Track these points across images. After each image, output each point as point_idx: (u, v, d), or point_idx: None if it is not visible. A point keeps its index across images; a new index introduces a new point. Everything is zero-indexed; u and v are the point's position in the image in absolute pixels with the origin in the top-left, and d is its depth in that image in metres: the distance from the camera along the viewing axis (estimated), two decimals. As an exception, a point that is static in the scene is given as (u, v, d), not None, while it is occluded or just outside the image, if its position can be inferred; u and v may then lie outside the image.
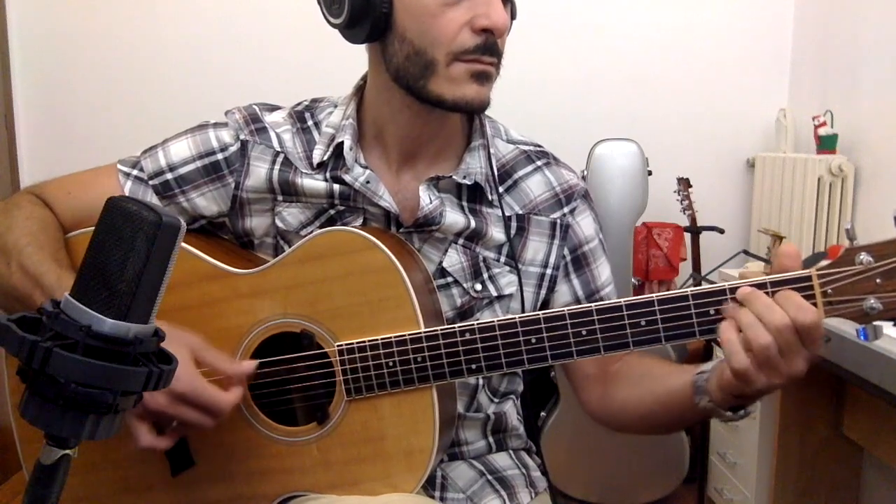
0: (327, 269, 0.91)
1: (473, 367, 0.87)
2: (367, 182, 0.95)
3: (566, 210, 1.02)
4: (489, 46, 0.88)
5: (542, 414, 2.31)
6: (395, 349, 0.88)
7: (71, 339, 0.51)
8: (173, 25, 2.64)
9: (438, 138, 0.99)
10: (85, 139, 2.67)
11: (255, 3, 2.63)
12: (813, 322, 0.74)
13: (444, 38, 0.87)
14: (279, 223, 0.99)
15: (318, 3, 0.94)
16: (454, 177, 0.97)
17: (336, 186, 0.97)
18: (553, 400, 2.33)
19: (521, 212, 1.01)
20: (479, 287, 0.99)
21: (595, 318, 0.83)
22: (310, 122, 1.02)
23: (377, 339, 0.88)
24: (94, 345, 0.52)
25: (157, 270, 0.54)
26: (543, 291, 1.03)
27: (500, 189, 1.00)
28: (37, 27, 2.66)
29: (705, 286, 0.80)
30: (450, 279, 0.98)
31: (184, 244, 0.78)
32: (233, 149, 1.00)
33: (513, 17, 0.95)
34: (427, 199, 0.95)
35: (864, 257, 0.75)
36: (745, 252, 2.46)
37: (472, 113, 0.99)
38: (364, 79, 1.01)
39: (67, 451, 0.54)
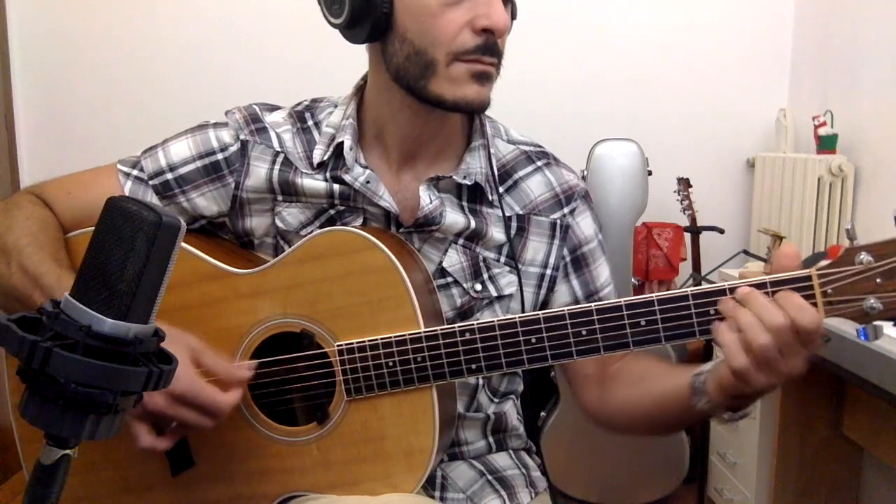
0: (327, 269, 0.91)
1: (473, 367, 0.87)
2: (367, 182, 0.95)
3: (566, 210, 1.02)
4: (489, 47, 0.88)
5: (542, 414, 2.31)
6: (394, 349, 0.88)
7: (71, 339, 0.51)
8: (173, 25, 2.64)
9: (439, 138, 0.99)
10: (85, 139, 2.67)
11: (255, 3, 2.63)
12: (812, 322, 0.74)
13: (444, 39, 0.87)
14: (279, 223, 0.99)
15: (319, 3, 0.94)
16: (454, 177, 0.97)
17: (336, 186, 0.97)
18: (553, 400, 2.33)
19: (521, 212, 1.01)
20: (478, 287, 0.99)
21: (595, 317, 0.83)
22: (310, 122, 1.02)
23: (377, 339, 0.88)
24: (94, 345, 0.52)
25: (157, 270, 0.54)
26: (543, 292, 1.03)
27: (501, 189, 1.00)
28: (37, 27, 2.66)
29: (705, 286, 0.80)
30: (450, 279, 0.98)
31: (184, 244, 0.78)
32: (233, 149, 1.00)
33: (513, 17, 0.95)
34: (427, 199, 0.95)
35: (864, 257, 0.75)
36: (745, 252, 2.47)
37: (473, 113, 0.99)
38: (364, 79, 1.01)
39: (67, 451, 0.54)
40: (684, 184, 2.46)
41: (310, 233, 0.95)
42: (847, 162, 2.20)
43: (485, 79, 0.90)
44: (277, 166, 0.99)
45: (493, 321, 0.86)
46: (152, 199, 1.00)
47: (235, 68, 2.61)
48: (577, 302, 1.03)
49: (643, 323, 0.82)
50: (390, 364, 0.88)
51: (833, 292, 0.76)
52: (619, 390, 0.99)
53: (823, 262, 0.77)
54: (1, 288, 0.90)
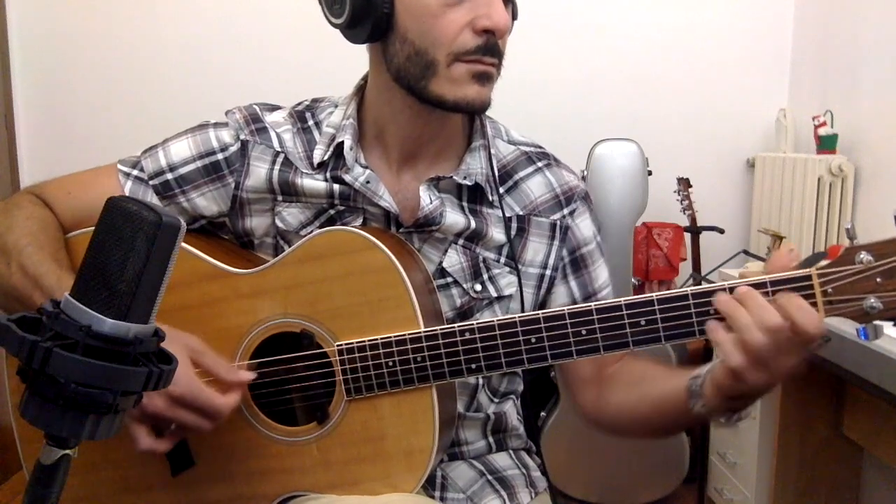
0: (327, 268, 0.91)
1: (473, 366, 0.87)
2: (368, 182, 0.95)
3: (566, 211, 1.02)
4: (490, 47, 0.88)
5: (542, 414, 2.31)
6: (394, 349, 0.88)
7: (71, 339, 0.51)
8: (173, 25, 2.64)
9: (439, 139, 0.99)
10: (85, 139, 2.67)
11: (255, 3, 2.63)
12: (812, 322, 0.74)
13: (445, 39, 0.87)
14: (279, 223, 0.99)
15: (320, 3, 0.94)
16: (455, 177, 0.97)
17: (336, 186, 0.97)
18: (553, 400, 2.33)
19: (521, 213, 1.01)
20: (478, 287, 0.98)
21: (595, 317, 0.83)
22: (310, 122, 1.02)
23: (377, 339, 0.88)
24: (94, 345, 0.52)
25: (157, 270, 0.54)
26: (542, 293, 1.03)
27: (501, 190, 1.00)
28: (37, 27, 2.66)
29: (705, 286, 0.80)
30: (449, 279, 0.98)
31: (184, 244, 0.78)
32: (233, 149, 1.00)
33: (514, 17, 0.95)
34: (427, 199, 0.95)
35: (864, 256, 0.75)
36: (745, 252, 2.47)
37: (473, 113, 0.99)
38: (365, 79, 1.01)
39: (67, 451, 0.54)
40: (684, 184, 2.46)
41: (310, 233, 0.95)
42: (847, 162, 2.20)
43: (485, 79, 0.90)
44: (277, 166, 0.99)
45: (492, 321, 0.86)
46: (152, 199, 1.00)
47: (235, 68, 2.61)
48: (574, 303, 1.03)
49: (643, 322, 0.82)
50: (390, 364, 0.88)
51: (833, 292, 0.76)
52: (617, 393, 0.99)
53: (823, 262, 0.77)
54: (1, 288, 0.90)
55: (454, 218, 0.96)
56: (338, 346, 0.90)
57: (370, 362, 0.89)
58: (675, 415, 0.90)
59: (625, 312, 0.82)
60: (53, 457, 0.53)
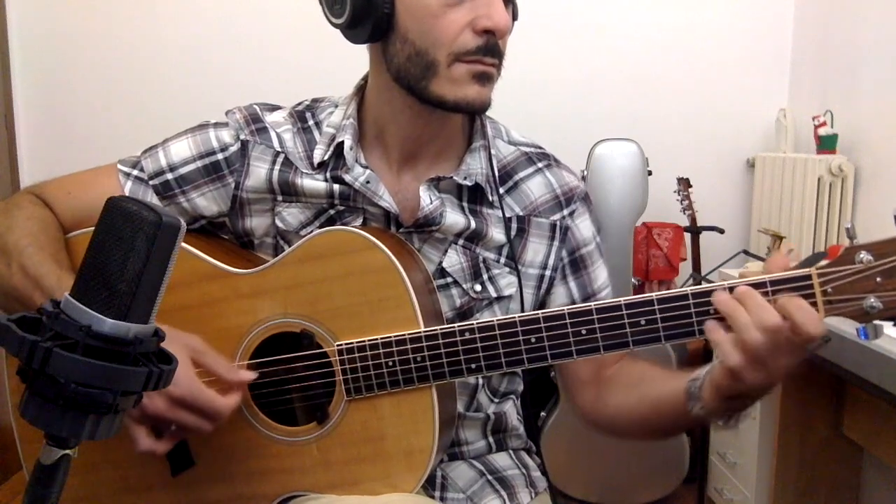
0: (327, 268, 0.91)
1: (473, 366, 0.87)
2: (368, 182, 0.95)
3: (566, 212, 1.02)
4: (491, 47, 0.88)
5: (542, 414, 2.31)
6: (394, 349, 0.88)
7: (71, 339, 0.51)
8: (173, 25, 2.64)
9: (439, 139, 0.99)
10: (85, 139, 2.67)
11: (255, 3, 2.63)
12: (812, 322, 0.73)
13: (445, 39, 0.87)
14: (279, 223, 0.99)
15: (320, 3, 0.94)
16: (455, 177, 0.97)
17: (336, 186, 0.97)
18: (553, 400, 2.33)
19: (521, 213, 1.01)
20: (478, 288, 0.98)
21: (595, 317, 0.83)
22: (310, 122, 1.02)
23: (377, 339, 0.88)
24: (94, 345, 0.52)
25: (157, 270, 0.54)
26: (542, 293, 1.03)
27: (501, 190, 1.00)
28: (37, 27, 2.66)
29: (705, 285, 0.80)
30: (449, 280, 0.98)
31: (184, 244, 0.78)
32: (233, 149, 1.00)
33: (514, 17, 0.95)
34: (427, 199, 0.95)
35: (863, 256, 0.75)
36: (745, 252, 2.47)
37: (474, 114, 0.99)
38: (365, 79, 1.01)
39: (67, 451, 0.54)
40: (684, 184, 2.46)
41: (310, 233, 0.95)
42: (847, 162, 2.20)
43: (486, 79, 0.90)
44: (277, 166, 0.99)
45: (492, 321, 0.86)
46: (152, 199, 1.00)
47: (235, 68, 2.61)
48: (574, 304, 1.03)
49: (643, 322, 0.82)
50: (390, 364, 0.88)
51: (833, 291, 0.76)
52: (615, 394, 0.99)
53: (823, 262, 0.77)
54: (1, 288, 0.90)
55: (454, 218, 0.96)
56: (338, 346, 0.90)
57: (370, 362, 0.89)
58: (673, 416, 0.90)
59: (624, 312, 0.82)
60: (53, 457, 0.53)
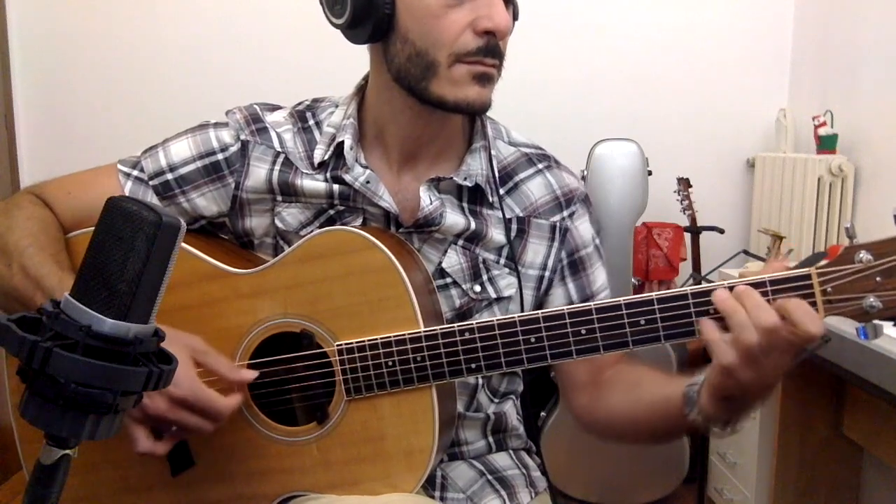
0: (327, 268, 0.91)
1: (473, 366, 0.87)
2: (367, 182, 0.95)
3: (566, 213, 1.02)
4: (491, 48, 0.88)
5: (542, 414, 2.31)
6: (394, 349, 0.88)
7: (71, 339, 0.52)
8: (173, 25, 2.64)
9: (439, 139, 0.99)
10: (85, 139, 2.67)
11: (255, 3, 2.63)
12: (811, 322, 0.73)
13: (446, 40, 0.87)
14: (279, 223, 0.99)
15: (321, 3, 0.93)
16: (455, 178, 0.97)
17: (336, 187, 0.97)
18: (553, 400, 2.33)
19: (521, 214, 1.01)
20: (477, 288, 0.98)
21: (594, 317, 0.83)
22: (311, 122, 1.02)
23: (376, 339, 0.88)
24: (94, 345, 0.52)
25: (157, 270, 0.54)
26: (541, 294, 1.03)
27: (501, 191, 1.00)
28: (37, 27, 2.66)
29: (705, 285, 0.80)
30: (449, 280, 0.98)
31: (184, 244, 0.78)
32: (233, 149, 1.00)
33: (515, 18, 0.95)
34: (427, 199, 0.95)
35: (863, 256, 0.75)
36: (745, 252, 2.47)
37: (474, 114, 0.99)
38: (365, 79, 1.01)
39: (67, 451, 0.54)
40: (684, 184, 2.46)
41: (309, 233, 0.95)
42: (847, 162, 2.20)
43: (486, 80, 0.90)
44: (277, 167, 0.99)
45: (492, 321, 0.86)
46: (152, 199, 1.00)
47: (235, 68, 2.61)
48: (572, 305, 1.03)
49: (642, 322, 0.82)
50: (390, 364, 0.88)
51: (833, 291, 0.76)
52: (611, 396, 0.99)
53: (823, 262, 0.77)
54: (2, 289, 0.90)
55: (454, 219, 0.96)
56: (337, 345, 0.90)
57: (370, 362, 0.89)
58: (668, 421, 0.89)
59: (624, 312, 0.82)
60: (53, 457, 0.53)
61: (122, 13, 2.64)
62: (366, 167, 0.96)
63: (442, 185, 0.97)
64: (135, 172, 1.01)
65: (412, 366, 0.88)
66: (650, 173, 2.30)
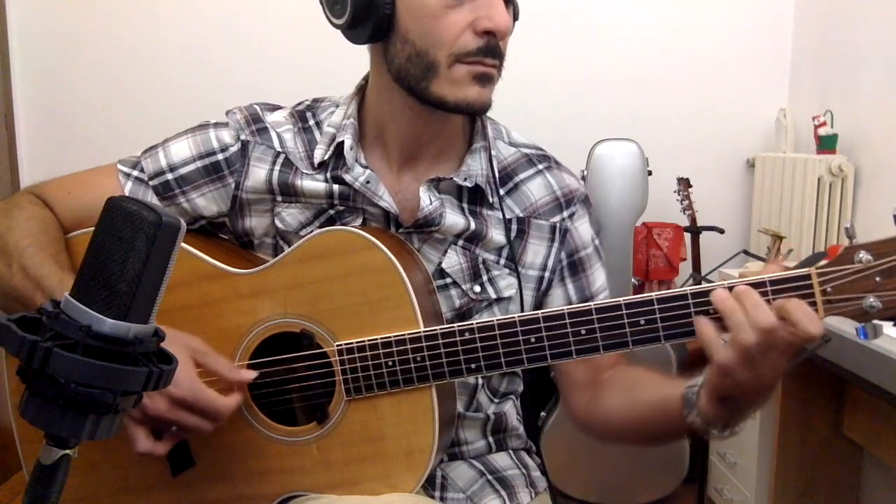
0: (327, 268, 0.91)
1: (473, 366, 0.87)
2: (367, 182, 0.95)
3: (566, 214, 1.02)
4: (491, 48, 0.88)
5: (542, 414, 2.31)
6: (394, 349, 0.88)
7: (71, 339, 0.52)
8: (173, 25, 2.64)
9: (439, 139, 0.99)
10: (85, 139, 2.67)
11: (255, 3, 2.63)
12: (810, 321, 0.73)
13: (446, 40, 0.87)
14: (279, 223, 0.99)
15: (321, 3, 0.93)
16: (455, 178, 0.97)
17: (336, 187, 0.97)
18: (553, 400, 2.33)
19: (521, 215, 1.01)
20: (477, 289, 0.98)
21: (594, 317, 0.83)
22: (311, 122, 1.02)
23: (376, 339, 0.88)
24: (94, 345, 0.52)
25: (157, 270, 0.54)
26: (541, 295, 1.03)
27: (501, 191, 1.00)
28: (37, 27, 2.66)
29: (705, 285, 0.80)
30: (448, 280, 0.98)
31: (184, 244, 0.78)
32: (233, 149, 1.00)
33: (515, 18, 0.95)
34: (427, 200, 0.95)
35: (863, 256, 0.75)
36: (745, 252, 2.47)
37: (474, 114, 0.99)
38: (366, 79, 1.01)
39: (67, 451, 0.54)
40: (684, 184, 2.46)
41: (309, 233, 0.95)
42: (847, 162, 2.20)
43: (486, 80, 0.89)
44: (278, 167, 0.99)
45: (492, 321, 0.86)
46: (152, 199, 1.00)
47: (235, 68, 2.61)
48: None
49: (642, 322, 0.82)
50: (390, 364, 0.88)
51: (832, 291, 0.76)
52: (609, 397, 0.98)
53: (823, 262, 0.77)
54: (2, 289, 0.90)
55: (454, 219, 0.96)
56: (337, 346, 0.90)
57: (370, 362, 0.89)
58: (667, 422, 0.89)
59: (624, 312, 0.82)
60: (53, 457, 0.53)
61: (122, 13, 2.64)
62: (366, 167, 0.96)
63: (442, 185, 0.97)
64: (135, 172, 1.01)
65: (412, 366, 0.88)
66: (650, 173, 2.30)
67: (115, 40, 2.65)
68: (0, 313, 0.55)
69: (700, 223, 2.43)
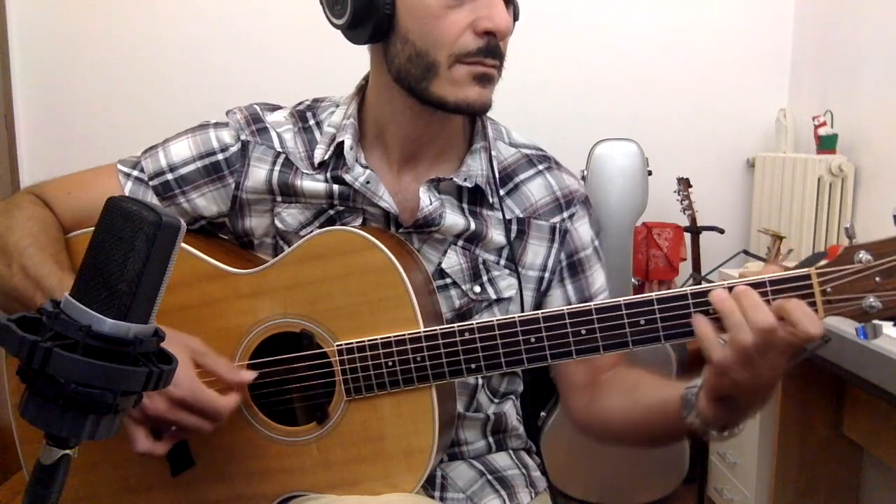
0: (327, 268, 0.91)
1: (473, 366, 0.87)
2: (367, 182, 0.95)
3: (566, 215, 1.02)
4: (491, 49, 0.88)
5: (542, 414, 2.31)
6: (394, 349, 0.88)
7: (71, 339, 0.52)
8: (173, 25, 2.64)
9: (440, 140, 0.99)
10: (85, 139, 2.67)
11: (255, 3, 2.63)
12: (810, 322, 0.73)
13: (446, 40, 0.87)
14: (278, 224, 0.99)
15: (321, 3, 0.93)
16: (455, 179, 0.97)
17: (336, 187, 0.97)
18: (553, 400, 2.33)
19: (521, 215, 1.01)
20: (477, 289, 0.98)
21: (594, 317, 0.83)
22: (311, 122, 1.02)
23: (376, 339, 0.88)
24: (94, 345, 0.52)
25: (157, 270, 0.54)
26: (541, 295, 1.03)
27: (501, 192, 1.00)
28: (37, 27, 2.66)
29: (704, 285, 0.80)
30: (448, 280, 0.98)
31: (184, 244, 0.78)
32: (233, 149, 1.00)
33: (515, 18, 0.95)
34: (427, 200, 0.95)
35: (863, 256, 0.75)
36: (745, 252, 2.47)
37: (474, 115, 0.99)
38: (366, 79, 1.01)
39: (67, 451, 0.54)
40: (684, 184, 2.46)
41: (309, 233, 0.95)
42: (847, 162, 2.20)
43: (486, 81, 0.89)
44: (278, 167, 0.99)
45: (492, 321, 0.86)
46: (152, 199, 1.00)
47: (235, 68, 2.61)
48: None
49: (642, 322, 0.81)
50: (390, 364, 0.88)
51: (832, 291, 0.76)
52: (608, 399, 0.98)
53: (823, 262, 0.77)
54: (2, 289, 0.90)
55: (453, 219, 0.96)
56: (337, 346, 0.90)
57: (370, 362, 0.89)
58: (666, 424, 0.88)
59: (624, 312, 0.82)
60: (53, 457, 0.53)
61: (122, 13, 2.64)
62: (366, 167, 0.96)
63: (442, 185, 0.97)
64: (135, 172, 1.01)
65: (412, 366, 0.88)
66: (650, 173, 2.30)
67: (115, 40, 2.65)
68: (0, 313, 0.55)
69: (700, 223, 2.43)
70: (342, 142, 0.96)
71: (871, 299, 0.75)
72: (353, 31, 0.91)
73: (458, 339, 0.87)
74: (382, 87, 0.95)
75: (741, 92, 2.66)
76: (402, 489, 0.90)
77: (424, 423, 0.89)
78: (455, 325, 0.87)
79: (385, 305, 0.89)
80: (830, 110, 2.29)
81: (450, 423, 0.96)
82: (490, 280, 0.99)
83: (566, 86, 2.64)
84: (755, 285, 0.77)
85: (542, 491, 1.08)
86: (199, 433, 0.86)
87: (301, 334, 0.91)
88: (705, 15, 2.64)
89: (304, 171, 0.98)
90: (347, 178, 0.95)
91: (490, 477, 1.03)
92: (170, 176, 1.00)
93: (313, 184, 0.97)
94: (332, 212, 0.98)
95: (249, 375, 0.91)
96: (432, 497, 0.99)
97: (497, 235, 0.99)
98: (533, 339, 0.85)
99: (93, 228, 0.54)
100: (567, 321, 0.84)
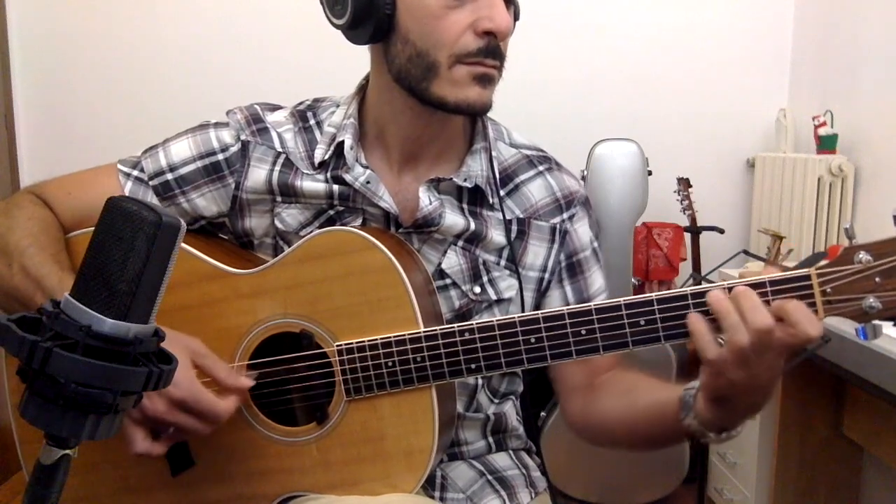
0: (327, 269, 0.91)
1: (473, 366, 0.87)
2: (368, 182, 0.95)
3: (566, 216, 1.02)
4: (492, 49, 0.88)
5: (542, 414, 2.31)
6: (394, 349, 0.88)
7: (71, 339, 0.52)
8: (173, 25, 2.64)
9: (440, 140, 0.99)
10: (85, 139, 2.67)
11: (255, 3, 2.63)
12: (809, 322, 0.73)
13: (446, 41, 0.87)
14: (278, 224, 0.99)
15: (321, 3, 0.93)
16: (455, 179, 0.97)
17: (336, 187, 0.97)
18: (553, 400, 2.33)
19: (521, 216, 1.01)
20: (477, 290, 0.98)
21: (594, 317, 0.83)
22: (312, 122, 1.02)
23: (376, 339, 0.88)
24: (94, 345, 0.52)
25: (157, 270, 0.54)
26: (540, 296, 1.03)
27: (501, 192, 1.00)
28: (37, 27, 2.66)
29: (704, 286, 0.80)
30: (448, 281, 0.98)
31: (184, 244, 0.78)
32: (233, 149, 1.00)
33: (516, 18, 0.95)
34: (427, 200, 0.95)
35: (863, 256, 0.75)
36: (745, 252, 2.46)
37: (474, 115, 0.99)
38: (366, 79, 1.01)
39: (67, 451, 0.54)
40: (684, 184, 2.46)
41: (309, 233, 0.95)
42: (847, 162, 2.20)
43: (487, 81, 0.89)
44: (278, 168, 0.99)
45: (492, 321, 0.86)
46: (152, 199, 1.00)
47: (235, 68, 2.61)
48: None
49: (642, 322, 0.81)
50: (390, 364, 0.88)
51: (832, 291, 0.76)
52: (605, 401, 0.98)
53: (822, 262, 0.77)
54: (2, 289, 0.90)
55: (453, 219, 0.96)
56: (337, 346, 0.90)
57: (370, 362, 0.89)
58: (664, 426, 0.88)
59: (624, 312, 0.82)
60: (53, 457, 0.53)
61: (122, 13, 2.64)
62: (366, 167, 0.96)
63: (442, 185, 0.97)
64: (135, 172, 1.01)
65: (412, 366, 0.88)
66: (650, 173, 2.30)
67: (115, 40, 2.65)
68: (0, 313, 0.55)
69: (700, 223, 2.43)
70: (342, 142, 0.96)
71: (871, 300, 0.75)
72: (354, 32, 0.91)
73: (458, 339, 0.87)
74: (383, 87, 0.95)
75: (741, 92, 2.66)
76: (402, 489, 0.89)
77: (424, 424, 0.89)
78: (455, 325, 0.87)
79: (385, 305, 0.89)
80: (830, 110, 2.29)
81: (450, 423, 0.96)
82: (490, 280, 0.99)
83: (566, 86, 2.64)
84: (755, 285, 0.77)
85: (542, 491, 1.08)
86: (197, 435, 0.86)
87: (301, 334, 0.91)
88: (705, 15, 2.64)
89: (305, 171, 0.98)
90: (347, 177, 0.95)
91: (490, 477, 1.03)
92: (170, 176, 1.00)
93: (313, 184, 0.97)
94: (332, 212, 0.98)
95: (248, 382, 0.90)
96: (432, 497, 0.99)
97: (497, 236, 0.99)
98: (533, 340, 0.85)
99: (93, 228, 0.55)
100: (567, 321, 0.84)
